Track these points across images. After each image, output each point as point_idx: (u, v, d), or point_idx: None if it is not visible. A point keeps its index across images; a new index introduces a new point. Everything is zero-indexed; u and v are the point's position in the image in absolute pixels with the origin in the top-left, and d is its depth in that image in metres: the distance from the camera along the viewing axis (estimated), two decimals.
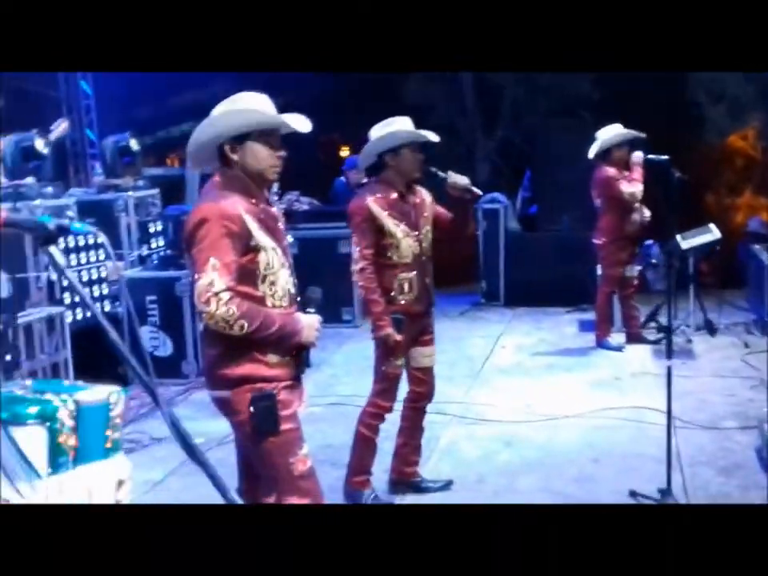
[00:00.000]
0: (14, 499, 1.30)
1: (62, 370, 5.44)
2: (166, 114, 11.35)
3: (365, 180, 9.38)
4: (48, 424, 1.34)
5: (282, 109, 2.91)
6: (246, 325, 2.64)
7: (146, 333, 6.34)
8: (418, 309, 4.03)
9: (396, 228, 3.92)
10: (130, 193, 7.09)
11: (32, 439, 1.31)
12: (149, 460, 4.88)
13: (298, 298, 2.91)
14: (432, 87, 11.05)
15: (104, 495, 1.44)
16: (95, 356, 6.20)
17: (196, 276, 2.66)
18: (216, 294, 2.60)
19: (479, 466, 4.63)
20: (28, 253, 5.70)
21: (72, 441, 1.38)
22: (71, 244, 6.12)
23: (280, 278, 2.80)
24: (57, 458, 1.34)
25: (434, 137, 3.98)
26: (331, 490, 3.83)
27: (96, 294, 6.24)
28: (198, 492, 3.90)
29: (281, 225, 2.92)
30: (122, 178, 7.35)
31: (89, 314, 6.14)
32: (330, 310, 6.99)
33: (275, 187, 6.41)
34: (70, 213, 6.03)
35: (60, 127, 7.47)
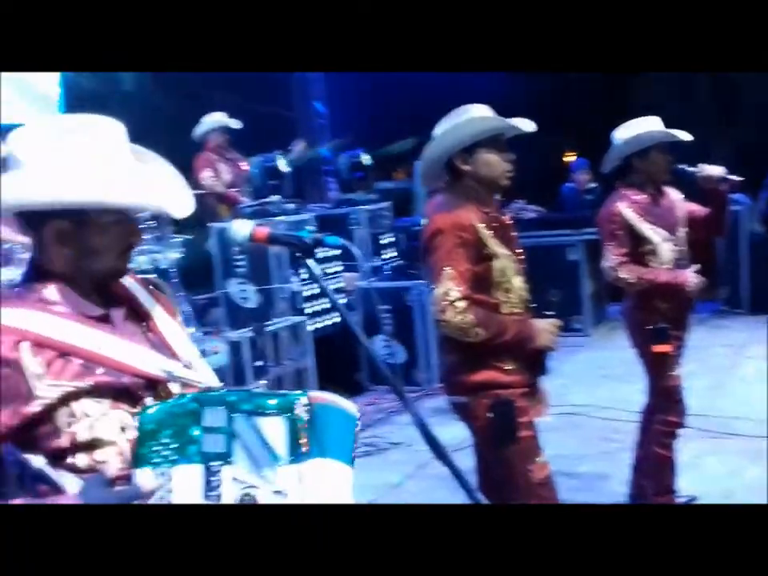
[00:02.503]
0: (259, 484, 1.39)
1: (306, 376, 5.77)
2: (391, 130, 11.69)
3: (593, 184, 9.12)
4: (288, 414, 1.41)
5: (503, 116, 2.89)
6: (481, 332, 2.67)
7: (379, 341, 6.55)
8: (681, 317, 3.80)
9: (653, 233, 3.69)
10: (363, 206, 7.39)
11: (273, 428, 1.40)
12: (385, 463, 5.03)
13: (532, 305, 2.90)
14: (660, 85, 10.56)
15: (338, 494, 1.51)
16: (335, 363, 6.53)
17: (433, 286, 2.73)
18: (452, 302, 2.65)
19: (726, 481, 4.36)
20: (272, 266, 6.12)
21: (306, 434, 1.44)
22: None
23: (514, 285, 2.81)
24: (295, 448, 1.42)
25: (685, 136, 3.71)
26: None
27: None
28: (435, 495, 4.00)
29: (513, 233, 2.92)
30: (355, 192, 7.67)
31: (329, 323, 6.46)
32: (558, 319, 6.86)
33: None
34: (309, 227, 6.38)
35: (298, 148, 7.94)
